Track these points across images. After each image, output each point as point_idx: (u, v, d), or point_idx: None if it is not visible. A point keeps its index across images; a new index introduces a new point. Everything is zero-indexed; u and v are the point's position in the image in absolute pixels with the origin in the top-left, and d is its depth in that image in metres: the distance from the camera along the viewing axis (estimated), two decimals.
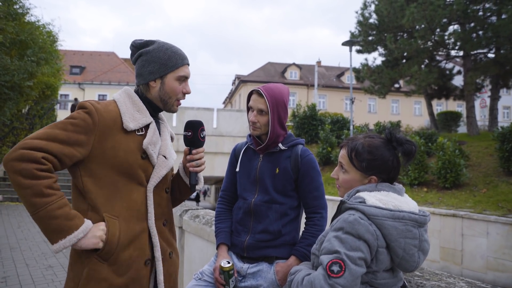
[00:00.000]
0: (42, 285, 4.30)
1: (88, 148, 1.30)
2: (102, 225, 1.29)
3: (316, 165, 1.84)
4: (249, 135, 1.96)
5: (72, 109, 18.84)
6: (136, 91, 1.49)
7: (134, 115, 1.40)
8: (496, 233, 7.71)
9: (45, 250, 5.87)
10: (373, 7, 16.90)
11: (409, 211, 1.19)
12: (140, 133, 1.40)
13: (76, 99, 20.08)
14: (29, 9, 11.98)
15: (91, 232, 1.26)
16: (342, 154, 1.36)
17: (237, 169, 1.93)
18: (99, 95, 32.64)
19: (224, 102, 46.59)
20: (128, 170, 1.35)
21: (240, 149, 1.98)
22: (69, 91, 31.66)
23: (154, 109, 1.49)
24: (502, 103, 31.27)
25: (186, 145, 1.52)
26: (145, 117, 1.42)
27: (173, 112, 1.51)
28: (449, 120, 19.61)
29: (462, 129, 19.42)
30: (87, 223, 1.26)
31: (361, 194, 1.25)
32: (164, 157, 1.46)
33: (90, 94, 32.50)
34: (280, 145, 1.84)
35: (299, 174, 1.81)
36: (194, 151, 1.50)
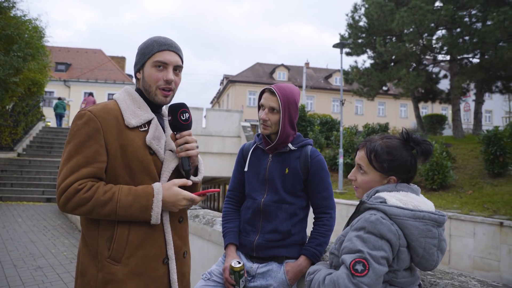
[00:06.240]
0: (33, 286, 4.19)
1: (105, 152, 1.31)
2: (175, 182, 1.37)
3: (325, 166, 1.85)
4: (257, 135, 1.96)
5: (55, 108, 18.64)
6: (136, 89, 1.50)
7: (135, 111, 1.39)
8: (483, 233, 7.89)
9: (33, 250, 5.72)
10: (363, 10, 17.10)
11: (429, 211, 1.21)
12: (144, 129, 1.39)
13: (60, 98, 19.69)
14: (15, 2, 11.70)
15: (169, 191, 1.33)
16: (361, 155, 1.37)
17: (246, 169, 1.92)
18: (85, 93, 32.05)
19: (211, 102, 46.40)
20: (140, 167, 1.34)
21: (248, 149, 1.97)
22: (54, 88, 31.01)
23: (153, 104, 1.47)
24: (484, 107, 31.98)
25: (172, 131, 1.43)
26: (147, 113, 1.41)
27: (161, 103, 1.44)
28: (434, 122, 19.96)
29: (447, 131, 19.80)
30: (155, 185, 1.33)
31: (381, 194, 1.26)
32: (171, 151, 1.45)
33: (76, 92, 31.90)
34: (289, 145, 1.84)
35: (309, 175, 1.81)
36: (177, 135, 1.40)
